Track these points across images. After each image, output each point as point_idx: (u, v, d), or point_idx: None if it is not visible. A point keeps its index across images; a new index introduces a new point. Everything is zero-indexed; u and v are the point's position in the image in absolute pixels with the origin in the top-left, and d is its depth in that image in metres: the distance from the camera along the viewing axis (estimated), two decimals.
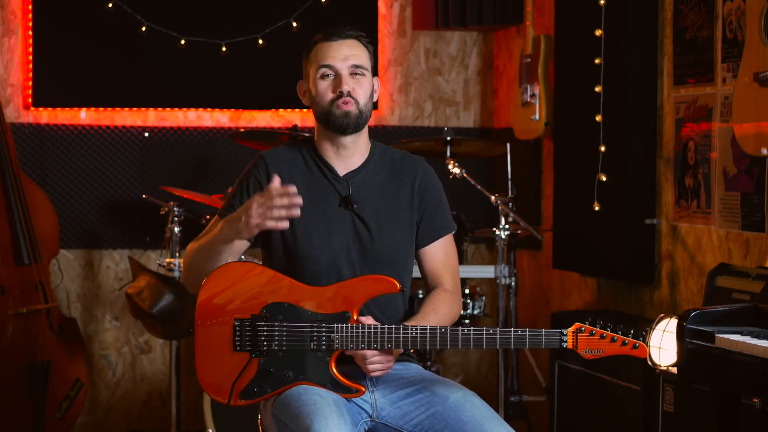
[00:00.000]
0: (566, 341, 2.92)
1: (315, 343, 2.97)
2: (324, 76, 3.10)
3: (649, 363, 3.80)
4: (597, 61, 4.71)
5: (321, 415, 2.82)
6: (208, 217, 5.01)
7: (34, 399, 5.03)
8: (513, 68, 5.71)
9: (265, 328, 2.98)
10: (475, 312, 4.82)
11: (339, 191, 3.13)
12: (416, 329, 2.96)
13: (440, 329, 2.96)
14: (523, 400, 4.95)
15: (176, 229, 4.94)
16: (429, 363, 4.88)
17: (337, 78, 3.09)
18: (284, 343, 2.98)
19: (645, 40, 4.58)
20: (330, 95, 3.09)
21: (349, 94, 3.07)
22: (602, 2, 4.67)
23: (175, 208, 4.95)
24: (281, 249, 3.12)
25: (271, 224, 2.95)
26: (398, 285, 2.99)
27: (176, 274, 4.88)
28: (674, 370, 3.58)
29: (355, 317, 2.98)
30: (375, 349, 2.96)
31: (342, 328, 2.97)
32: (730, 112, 3.99)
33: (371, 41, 3.21)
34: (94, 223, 5.64)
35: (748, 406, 3.35)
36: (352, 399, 3.02)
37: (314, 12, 5.70)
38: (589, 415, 4.57)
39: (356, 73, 3.10)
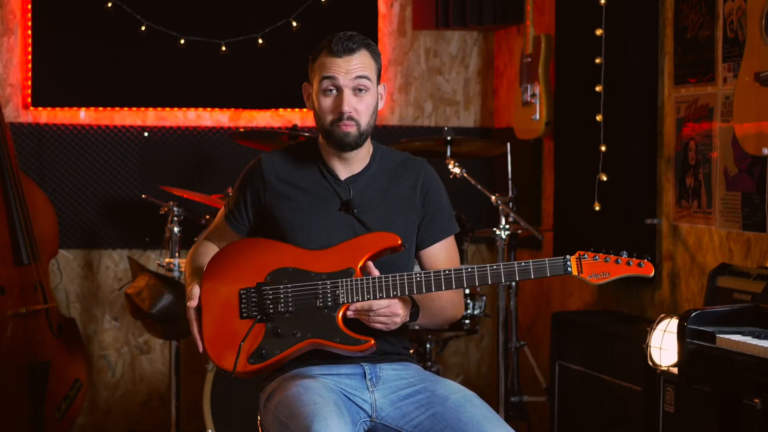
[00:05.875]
0: (571, 267, 2.91)
1: (321, 300, 2.98)
2: (326, 92, 3.06)
3: (650, 363, 3.80)
4: (597, 60, 4.70)
5: (321, 415, 2.82)
6: (207, 217, 5.01)
7: (33, 399, 5.02)
8: (513, 68, 5.70)
9: (270, 293, 3.00)
10: (476, 312, 4.80)
11: (340, 195, 3.12)
12: (420, 273, 2.96)
13: (444, 271, 2.95)
14: (523, 401, 4.95)
15: (176, 229, 4.93)
16: (429, 363, 4.88)
17: (339, 96, 3.05)
18: (290, 304, 2.99)
19: (645, 40, 4.57)
20: (331, 115, 3.06)
21: (350, 117, 3.04)
22: (603, 2, 4.66)
23: (175, 208, 4.94)
24: None
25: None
26: (399, 240, 3.00)
27: (176, 274, 4.88)
28: (675, 370, 3.58)
29: (359, 271, 2.99)
30: (381, 298, 2.95)
31: (346, 282, 2.97)
32: (730, 111, 3.98)
33: (376, 50, 3.11)
34: (94, 223, 5.63)
35: (749, 406, 3.34)
36: (352, 399, 3.02)
37: (314, 12, 5.69)
38: (590, 416, 4.57)
39: (360, 88, 3.05)
